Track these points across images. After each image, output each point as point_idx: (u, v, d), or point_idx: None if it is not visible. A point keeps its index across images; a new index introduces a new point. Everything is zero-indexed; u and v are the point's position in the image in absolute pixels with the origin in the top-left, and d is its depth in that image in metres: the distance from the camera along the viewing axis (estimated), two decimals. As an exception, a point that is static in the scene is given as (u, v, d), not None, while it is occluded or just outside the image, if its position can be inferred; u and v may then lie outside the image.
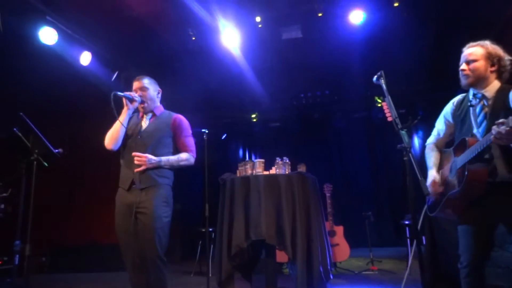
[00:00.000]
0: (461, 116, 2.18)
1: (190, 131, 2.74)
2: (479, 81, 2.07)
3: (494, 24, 4.89)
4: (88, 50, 5.21)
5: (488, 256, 2.05)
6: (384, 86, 2.14)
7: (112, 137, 2.56)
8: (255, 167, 3.69)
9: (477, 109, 2.06)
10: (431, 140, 2.42)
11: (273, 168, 3.79)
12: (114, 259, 5.10)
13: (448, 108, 2.30)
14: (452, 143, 2.26)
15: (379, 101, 7.37)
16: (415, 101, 6.82)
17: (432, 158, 2.31)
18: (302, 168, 3.89)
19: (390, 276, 4.36)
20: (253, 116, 8.28)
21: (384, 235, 7.40)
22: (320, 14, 5.02)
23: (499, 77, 2.09)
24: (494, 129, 1.71)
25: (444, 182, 2.18)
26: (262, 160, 3.74)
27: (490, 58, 2.06)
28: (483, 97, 2.07)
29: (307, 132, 8.30)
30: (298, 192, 3.48)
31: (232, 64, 5.94)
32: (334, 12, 5.09)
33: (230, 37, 5.26)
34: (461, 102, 2.22)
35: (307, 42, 5.54)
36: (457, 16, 4.97)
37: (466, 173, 1.92)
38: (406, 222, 4.56)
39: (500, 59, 2.06)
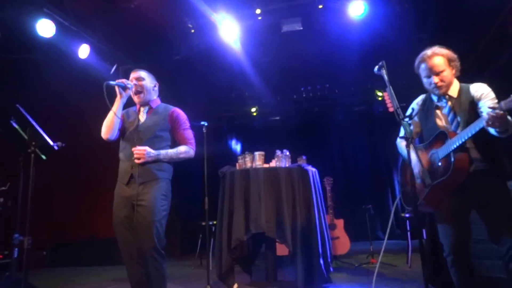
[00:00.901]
0: (426, 115, 2.37)
1: (188, 124, 2.72)
2: (449, 87, 2.27)
3: (496, 16, 4.84)
4: (87, 43, 5.16)
5: (469, 243, 2.13)
6: (385, 76, 2.12)
7: (107, 127, 2.56)
8: (255, 160, 3.67)
9: (446, 109, 2.27)
10: (401, 134, 2.52)
11: (273, 160, 3.78)
12: (115, 253, 5.10)
13: (413, 109, 2.49)
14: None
15: (380, 94, 7.34)
16: (416, 95, 6.78)
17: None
18: (302, 161, 3.87)
19: (390, 269, 4.36)
20: (253, 110, 8.25)
21: (385, 228, 7.41)
22: (320, 6, 4.98)
23: (455, 76, 2.30)
24: (489, 113, 1.84)
25: (423, 175, 2.26)
26: (262, 152, 3.72)
27: (450, 63, 2.26)
28: (450, 97, 2.27)
29: (307, 126, 8.28)
30: (298, 185, 3.47)
31: (232, 57, 5.89)
32: (334, 5, 5.04)
33: (229, 30, 5.21)
34: (424, 102, 2.42)
35: (307, 35, 5.48)
36: (458, 8, 4.92)
37: (452, 159, 2.06)
38: (407, 215, 4.55)
39: (455, 61, 2.28)
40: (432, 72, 2.25)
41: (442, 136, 2.17)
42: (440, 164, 2.16)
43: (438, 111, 2.30)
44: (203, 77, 6.58)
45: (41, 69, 4.95)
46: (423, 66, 2.29)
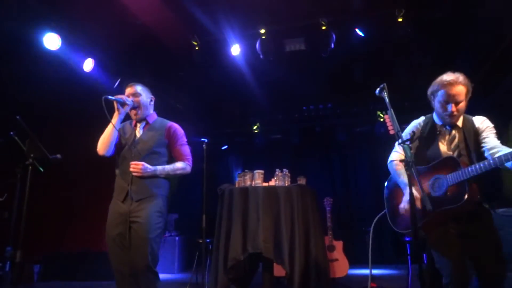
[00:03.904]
0: (427, 138, 2.37)
1: (185, 139, 2.70)
2: (459, 117, 2.31)
3: (500, 41, 4.87)
4: (91, 56, 5.22)
5: (467, 270, 2.09)
6: (386, 99, 2.12)
7: (103, 143, 2.54)
8: (255, 178, 3.65)
9: (450, 136, 2.31)
10: (395, 156, 2.51)
11: (273, 179, 3.75)
12: (109, 268, 5.03)
13: (414, 129, 2.47)
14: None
15: (382, 115, 7.35)
16: (417, 117, 6.80)
17: (404, 175, 2.33)
18: (302, 181, 3.84)
19: (390, 294, 4.26)
20: (255, 127, 8.26)
21: (385, 252, 7.28)
22: (324, 28, 5.04)
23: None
24: None
25: (423, 200, 2.16)
26: (262, 171, 3.70)
27: (467, 95, 2.26)
28: (456, 126, 2.31)
29: (309, 145, 8.26)
30: (297, 205, 3.43)
31: (235, 74, 5.93)
32: (338, 25, 5.10)
33: (233, 48, 5.28)
34: (426, 124, 2.42)
35: (311, 55, 5.53)
36: (461, 33, 4.97)
37: (467, 188, 2.07)
38: (407, 239, 4.47)
39: (470, 93, 2.27)
40: (452, 100, 2.22)
41: (451, 162, 2.17)
42: (447, 190, 2.15)
43: (441, 137, 2.33)
44: (205, 93, 6.62)
45: (45, 81, 4.98)
46: (442, 91, 2.25)
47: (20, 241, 2.55)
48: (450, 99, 2.22)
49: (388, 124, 2.09)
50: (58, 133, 5.30)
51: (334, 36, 5.12)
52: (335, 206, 5.13)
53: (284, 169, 3.77)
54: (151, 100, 2.73)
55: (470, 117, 2.33)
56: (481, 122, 2.28)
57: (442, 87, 2.25)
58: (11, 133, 2.66)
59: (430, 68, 5.63)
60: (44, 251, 5.85)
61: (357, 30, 5.07)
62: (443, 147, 2.31)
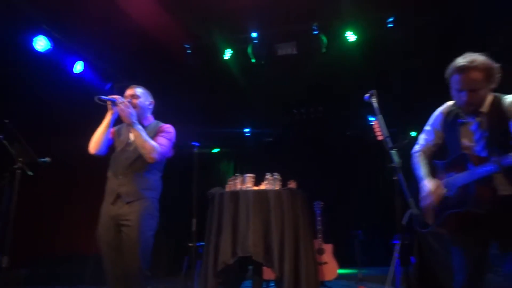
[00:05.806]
0: (449, 129, 2.07)
1: (171, 136, 2.62)
2: (480, 104, 1.91)
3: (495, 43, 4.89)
4: (83, 59, 5.20)
5: (484, 276, 1.94)
6: (375, 105, 2.13)
7: (94, 141, 2.52)
8: (245, 182, 3.66)
9: (473, 126, 1.94)
10: (417, 148, 2.26)
11: (263, 183, 3.76)
12: (98, 271, 4.97)
13: (437, 118, 2.17)
14: (438, 153, 2.19)
15: (373, 119, 7.40)
16: (407, 121, 6.88)
17: (423, 167, 2.14)
18: (292, 185, 3.86)
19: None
20: (246, 130, 8.27)
21: (374, 254, 7.33)
22: (315, 32, 5.09)
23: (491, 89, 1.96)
24: None
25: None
26: (252, 175, 3.72)
27: (488, 81, 1.87)
28: (480, 113, 1.92)
29: (300, 148, 8.29)
30: (287, 209, 3.45)
31: (226, 78, 5.95)
32: (330, 30, 5.16)
33: (224, 52, 5.31)
34: (450, 111, 2.09)
35: (302, 59, 5.58)
36: (453, 34, 5.00)
37: (473, 192, 1.81)
38: (395, 242, 4.51)
39: (495, 75, 1.88)
40: (465, 87, 1.86)
41: (462, 160, 1.88)
42: (454, 192, 1.91)
43: (463, 126, 1.98)
44: (197, 97, 6.62)
45: (34, 84, 4.95)
46: (455, 77, 1.90)
47: (6, 247, 2.52)
48: (463, 86, 1.86)
49: (377, 129, 2.11)
50: (48, 135, 5.25)
51: (325, 40, 5.18)
52: (326, 209, 5.16)
53: (275, 173, 3.79)
54: (150, 104, 2.70)
55: (501, 97, 1.90)
56: (510, 104, 1.83)
57: (455, 71, 1.89)
58: (0, 136, 2.64)
59: (422, 71, 5.68)
60: (31, 255, 5.77)
61: (348, 34, 5.12)
62: (464, 139, 1.95)
